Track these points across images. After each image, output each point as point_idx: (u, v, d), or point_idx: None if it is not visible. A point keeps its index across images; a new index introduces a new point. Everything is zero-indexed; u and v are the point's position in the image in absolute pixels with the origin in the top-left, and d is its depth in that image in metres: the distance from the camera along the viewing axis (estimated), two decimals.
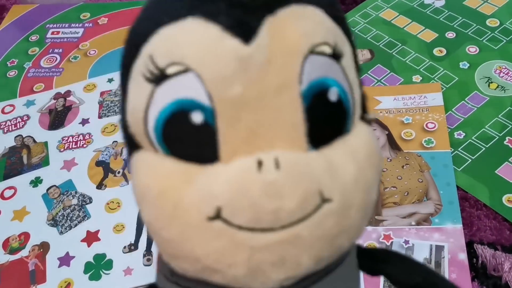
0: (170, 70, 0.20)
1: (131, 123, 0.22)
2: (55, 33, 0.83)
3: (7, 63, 0.79)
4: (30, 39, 0.82)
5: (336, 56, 0.22)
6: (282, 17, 0.20)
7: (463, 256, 0.51)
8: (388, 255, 0.29)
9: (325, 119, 0.21)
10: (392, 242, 0.53)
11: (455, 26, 0.73)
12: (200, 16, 0.20)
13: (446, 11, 0.75)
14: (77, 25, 0.83)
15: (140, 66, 0.21)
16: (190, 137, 0.21)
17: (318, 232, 0.20)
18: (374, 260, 0.28)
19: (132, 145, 0.23)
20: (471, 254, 0.52)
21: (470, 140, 0.60)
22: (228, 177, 0.20)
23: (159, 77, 0.20)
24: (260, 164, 0.20)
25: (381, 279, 0.51)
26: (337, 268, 0.24)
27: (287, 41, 0.20)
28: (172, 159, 0.21)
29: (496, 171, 0.57)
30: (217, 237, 0.20)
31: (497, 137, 0.60)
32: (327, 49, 0.21)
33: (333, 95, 0.21)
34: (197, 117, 0.20)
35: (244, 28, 0.20)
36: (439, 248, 0.52)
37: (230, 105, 0.20)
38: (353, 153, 0.22)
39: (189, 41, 0.20)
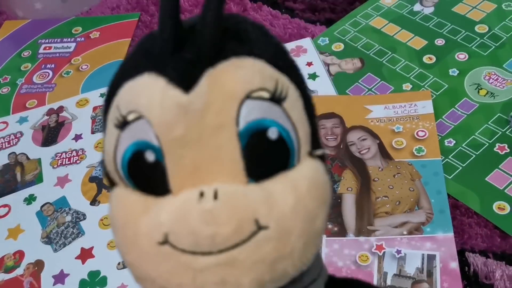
0: (129, 117, 0.24)
1: (106, 162, 0.26)
2: (47, 48, 0.83)
3: (0, 80, 0.79)
4: (22, 55, 0.83)
5: (276, 99, 0.24)
6: (222, 68, 0.24)
7: (454, 264, 0.52)
8: (360, 287, 0.32)
9: (266, 155, 0.24)
10: (384, 252, 0.53)
11: (444, 33, 0.73)
12: (152, 71, 0.24)
13: (435, 18, 0.75)
14: (69, 39, 0.84)
15: (111, 115, 0.25)
16: (146, 173, 0.24)
17: (255, 256, 0.23)
18: None
19: (110, 182, 0.27)
20: (463, 262, 0.52)
21: (460, 148, 0.61)
22: (173, 206, 0.23)
23: (122, 123, 0.24)
24: (202, 195, 0.23)
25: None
26: None
27: (225, 88, 0.23)
28: (137, 193, 0.24)
29: (486, 178, 0.57)
30: (166, 260, 0.23)
31: (487, 144, 0.60)
32: (265, 94, 0.24)
33: (272, 134, 0.24)
34: (150, 156, 0.24)
35: (186, 80, 0.23)
36: (431, 257, 0.53)
37: (175, 145, 0.23)
38: (293, 185, 0.24)
39: (142, 92, 0.24)
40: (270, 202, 0.23)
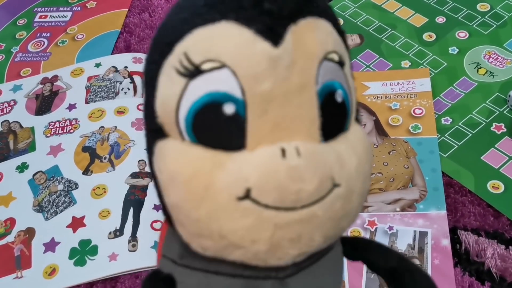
0: (205, 66, 0.23)
1: (160, 113, 0.25)
2: (43, 17, 0.82)
3: None
4: (17, 23, 0.81)
5: (341, 63, 0.25)
6: (302, 26, 0.24)
7: (446, 242, 0.52)
8: (368, 243, 0.33)
9: (333, 116, 0.24)
10: (376, 228, 0.53)
11: (445, 10, 0.72)
12: (233, 20, 0.23)
13: None
14: (65, 8, 0.82)
15: (174, 62, 0.24)
16: (220, 126, 0.23)
17: (329, 213, 0.24)
18: (355, 247, 0.31)
19: (157, 134, 0.26)
20: (455, 240, 0.52)
21: (457, 126, 0.60)
22: (257, 162, 0.23)
23: (193, 72, 0.23)
24: (283, 152, 0.23)
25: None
26: (329, 253, 0.28)
27: (307, 47, 0.23)
28: (200, 147, 0.24)
29: (481, 157, 0.57)
30: (245, 215, 0.23)
31: (484, 123, 0.60)
32: (336, 57, 0.24)
33: (339, 97, 0.24)
34: (229, 108, 0.23)
35: (273, 33, 0.23)
36: (423, 234, 0.52)
37: (260, 99, 0.23)
38: (353, 147, 0.25)
39: (225, 41, 0.23)
40: (340, 161, 0.24)
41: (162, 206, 0.27)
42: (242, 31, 0.23)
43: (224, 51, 0.23)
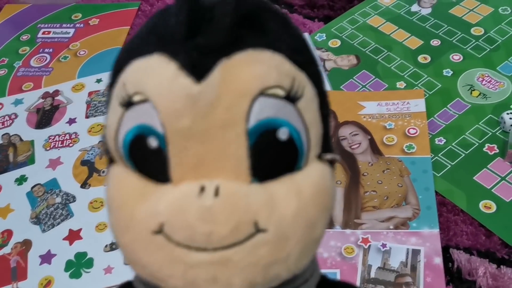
0: (135, 98, 0.23)
1: (107, 139, 0.25)
2: (46, 33, 0.83)
3: None
4: (21, 39, 0.83)
5: (291, 98, 0.23)
6: (237, 60, 0.22)
7: (438, 260, 0.52)
8: None
9: (272, 155, 0.23)
10: (370, 246, 0.54)
11: (440, 34, 0.74)
12: (163, 53, 0.23)
13: (432, 19, 0.76)
14: (68, 25, 0.84)
15: (117, 91, 0.24)
16: (148, 158, 0.23)
17: (250, 258, 0.22)
18: None
19: (109, 158, 0.26)
20: (447, 258, 0.53)
21: (450, 147, 0.61)
22: (172, 197, 0.22)
23: (128, 103, 0.23)
24: (202, 189, 0.22)
25: (358, 276, 0.52)
26: None
27: (238, 82, 0.22)
28: (137, 176, 0.24)
29: (474, 177, 0.58)
30: (159, 250, 0.23)
31: (477, 144, 0.61)
32: (280, 92, 0.23)
33: (282, 134, 0.23)
34: (152, 142, 0.23)
35: (198, 68, 0.22)
36: (416, 252, 0.53)
37: (180, 135, 0.22)
38: (298, 190, 0.23)
39: (150, 74, 0.23)
40: (271, 205, 0.22)
41: None
42: (169, 64, 0.22)
43: (149, 85, 0.22)
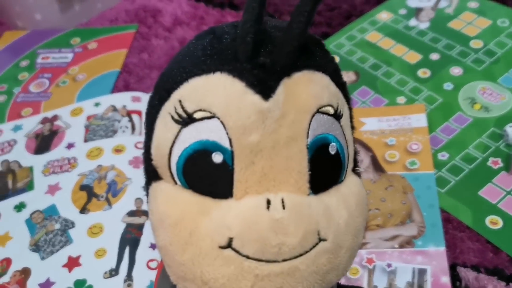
0: (197, 115, 0.24)
1: (155, 156, 0.26)
2: (45, 58, 0.83)
3: None
4: (20, 65, 0.83)
5: (337, 116, 0.25)
6: (296, 79, 0.24)
7: (446, 279, 0.51)
8: None
9: (325, 169, 0.25)
10: (374, 266, 0.53)
11: (439, 47, 0.73)
12: (227, 72, 0.24)
13: (431, 33, 0.76)
14: (67, 50, 0.84)
15: (170, 108, 0.25)
16: (208, 174, 0.24)
17: (313, 267, 0.23)
18: None
19: (153, 176, 0.26)
20: (454, 276, 0.51)
21: (453, 161, 0.60)
22: (241, 212, 0.23)
23: (186, 120, 0.24)
24: (268, 203, 0.23)
25: None
26: None
27: (299, 101, 0.24)
28: (189, 192, 0.24)
29: (479, 193, 0.57)
30: (226, 264, 0.23)
31: (480, 158, 0.60)
32: (331, 110, 0.25)
33: (332, 149, 0.25)
34: (217, 157, 0.23)
35: (264, 86, 0.23)
36: (422, 272, 0.52)
37: (248, 150, 0.23)
38: (345, 200, 0.25)
39: (217, 92, 0.23)
40: (329, 215, 0.24)
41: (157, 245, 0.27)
42: (235, 83, 0.23)
43: (215, 102, 0.23)
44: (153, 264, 0.55)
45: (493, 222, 0.54)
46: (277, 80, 0.23)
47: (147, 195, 0.27)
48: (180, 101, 0.24)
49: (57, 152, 0.67)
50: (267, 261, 0.23)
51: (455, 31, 0.75)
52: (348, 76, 0.72)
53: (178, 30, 0.84)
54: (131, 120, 0.70)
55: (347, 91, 0.27)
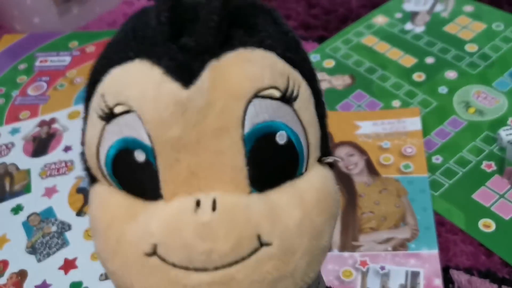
0: (117, 110, 0.21)
1: (87, 156, 0.23)
2: (43, 61, 0.84)
3: None
4: (18, 68, 0.84)
5: (286, 99, 0.21)
6: (227, 61, 0.20)
7: (438, 282, 0.51)
8: None
9: (272, 162, 0.21)
10: (368, 268, 0.53)
11: (434, 51, 0.74)
12: (145, 58, 0.21)
13: (426, 36, 0.76)
14: (65, 53, 0.85)
15: (95, 103, 0.22)
16: (135, 174, 0.21)
17: (255, 275, 0.20)
18: None
19: (90, 177, 0.24)
20: (447, 279, 0.52)
21: (447, 165, 0.61)
22: (165, 216, 0.20)
23: (109, 116, 0.21)
24: (198, 204, 0.20)
25: None
26: None
27: (230, 85, 0.20)
28: (122, 194, 0.22)
29: (472, 196, 0.57)
30: (153, 273, 0.21)
31: (474, 162, 0.60)
32: (276, 93, 0.21)
33: (281, 139, 0.21)
34: (139, 156, 0.21)
35: (185, 72, 0.20)
36: (415, 274, 0.52)
37: (169, 147, 0.20)
38: (301, 197, 0.21)
39: (133, 82, 0.21)
40: (274, 216, 0.21)
41: None
42: (152, 70, 0.20)
43: (132, 94, 0.21)
44: None
45: (486, 225, 0.55)
46: (202, 63, 0.20)
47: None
48: (102, 96, 0.22)
49: (55, 155, 0.68)
50: (196, 270, 0.20)
51: (450, 35, 0.76)
52: (343, 80, 0.73)
53: None
54: None
55: (308, 67, 0.23)
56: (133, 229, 0.21)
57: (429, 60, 0.73)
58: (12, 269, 0.57)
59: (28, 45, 0.87)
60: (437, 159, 0.61)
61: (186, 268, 0.20)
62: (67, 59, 0.83)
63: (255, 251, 0.20)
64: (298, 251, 0.21)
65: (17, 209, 0.63)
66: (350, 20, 0.81)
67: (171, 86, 0.20)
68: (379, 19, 0.80)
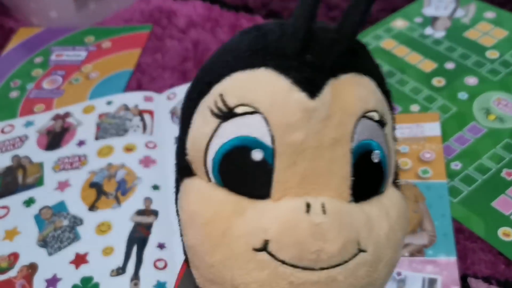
0: (238, 110, 0.23)
1: (190, 151, 0.24)
2: (59, 55, 0.84)
3: (11, 83, 0.80)
4: (34, 61, 0.83)
5: (381, 123, 0.24)
6: (343, 81, 0.23)
7: None
8: None
9: (367, 177, 0.23)
10: None
11: (454, 57, 0.73)
12: (272, 68, 0.23)
13: (446, 42, 0.75)
14: (81, 48, 0.85)
15: (209, 102, 0.24)
16: (246, 172, 0.23)
17: (351, 279, 0.22)
18: None
19: (185, 172, 0.25)
20: (465, 287, 0.51)
21: (467, 171, 0.60)
22: (279, 214, 0.22)
23: (227, 114, 0.23)
24: (308, 206, 0.21)
25: None
26: None
27: (346, 102, 0.23)
28: (224, 190, 0.23)
29: (492, 204, 0.56)
30: (260, 268, 0.22)
31: (494, 169, 0.59)
32: (376, 116, 0.24)
33: (375, 157, 0.23)
34: (257, 155, 0.22)
35: (311, 85, 0.22)
36: (432, 281, 0.51)
37: (290, 149, 0.22)
38: (386, 212, 0.24)
39: (260, 87, 0.23)
40: (370, 225, 0.22)
41: (183, 246, 0.26)
42: (280, 79, 0.22)
43: (259, 97, 0.22)
44: (160, 264, 0.54)
45: (506, 234, 0.54)
46: (323, 79, 0.22)
47: (177, 192, 0.26)
48: (221, 95, 0.23)
49: (68, 149, 0.67)
50: (304, 268, 0.21)
51: (471, 41, 0.75)
52: None
53: (192, 32, 0.84)
54: (142, 119, 0.70)
55: (391, 100, 0.26)
56: (242, 224, 0.22)
57: (449, 65, 0.72)
58: (22, 261, 0.56)
59: (44, 39, 0.87)
60: (456, 165, 0.60)
61: (295, 266, 0.21)
62: (83, 54, 0.83)
63: (355, 255, 0.22)
64: (383, 260, 0.23)
65: (29, 202, 0.62)
66: (369, 23, 0.80)
67: (300, 95, 0.22)
68: (398, 23, 0.79)
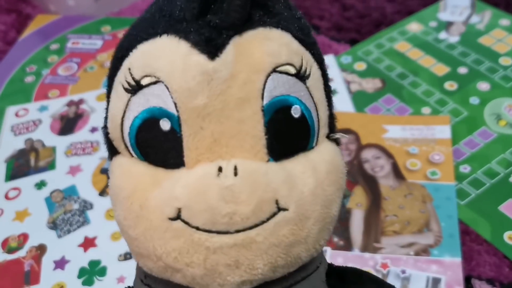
0: (144, 81, 0.22)
1: (111, 129, 0.24)
2: (75, 43, 0.85)
3: (26, 68, 0.81)
4: (50, 48, 0.84)
5: (300, 76, 0.23)
6: (249, 37, 0.22)
7: None
8: (359, 277, 0.30)
9: (287, 133, 0.22)
10: (389, 271, 0.52)
11: (468, 62, 0.73)
12: (173, 34, 0.22)
13: (460, 47, 0.75)
14: (97, 37, 0.85)
15: (121, 77, 0.23)
16: (159, 143, 0.22)
17: (272, 239, 0.21)
18: (342, 279, 0.28)
19: (112, 150, 0.25)
20: None
21: (475, 175, 0.60)
22: (189, 181, 0.21)
23: (135, 88, 0.23)
24: (220, 170, 0.21)
25: None
26: (303, 281, 0.25)
27: (252, 59, 0.22)
28: (144, 164, 0.23)
29: (499, 208, 0.56)
30: (176, 237, 0.21)
31: (503, 174, 0.59)
32: (291, 69, 0.23)
33: (295, 112, 0.22)
34: (165, 124, 0.22)
35: (211, 46, 0.21)
36: (436, 281, 0.51)
37: (195, 115, 0.21)
38: (313, 168, 0.23)
39: (161, 55, 0.22)
40: (290, 182, 0.22)
41: None
42: (179, 44, 0.22)
43: (160, 66, 0.22)
44: None
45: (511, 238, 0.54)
46: (226, 38, 0.22)
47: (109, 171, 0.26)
48: (129, 69, 0.23)
49: (81, 135, 0.68)
50: (219, 233, 0.21)
51: (485, 47, 0.75)
52: (374, 83, 0.72)
53: None
54: None
55: (318, 51, 0.25)
56: (157, 195, 0.22)
57: (462, 70, 0.72)
58: (31, 242, 0.57)
59: (61, 26, 0.88)
60: (465, 169, 0.61)
61: (209, 231, 0.21)
62: (98, 42, 0.84)
63: (273, 215, 0.21)
64: (311, 217, 0.22)
65: (40, 185, 0.63)
66: (384, 25, 0.81)
67: (198, 58, 0.21)
68: (413, 26, 0.80)
